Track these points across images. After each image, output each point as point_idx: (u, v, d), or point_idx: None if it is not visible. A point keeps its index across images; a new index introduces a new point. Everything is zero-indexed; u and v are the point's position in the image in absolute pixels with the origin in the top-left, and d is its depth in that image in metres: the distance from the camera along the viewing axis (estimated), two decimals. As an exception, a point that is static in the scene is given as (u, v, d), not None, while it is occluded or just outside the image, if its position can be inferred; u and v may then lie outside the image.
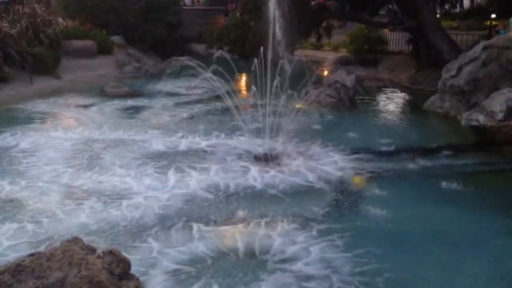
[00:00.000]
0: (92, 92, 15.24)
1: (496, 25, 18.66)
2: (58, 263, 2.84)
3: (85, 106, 13.17)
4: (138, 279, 3.10)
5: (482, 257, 5.15)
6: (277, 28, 9.78)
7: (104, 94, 14.76)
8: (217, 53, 9.57)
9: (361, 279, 4.67)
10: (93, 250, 3.11)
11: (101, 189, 6.92)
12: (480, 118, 9.33)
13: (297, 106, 9.23)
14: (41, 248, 4.50)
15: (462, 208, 6.46)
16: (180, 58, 9.52)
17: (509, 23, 13.94)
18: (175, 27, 24.99)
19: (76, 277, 2.79)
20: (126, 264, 3.01)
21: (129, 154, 8.62)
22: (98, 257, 2.98)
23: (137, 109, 12.91)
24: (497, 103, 9.19)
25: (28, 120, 11.33)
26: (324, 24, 21.45)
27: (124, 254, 3.16)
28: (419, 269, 4.93)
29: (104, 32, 21.62)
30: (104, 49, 20.76)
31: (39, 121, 11.26)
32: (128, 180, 7.30)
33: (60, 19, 20.50)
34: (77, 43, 19.58)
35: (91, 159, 8.35)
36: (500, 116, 8.98)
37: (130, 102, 13.78)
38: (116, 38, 22.22)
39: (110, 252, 3.03)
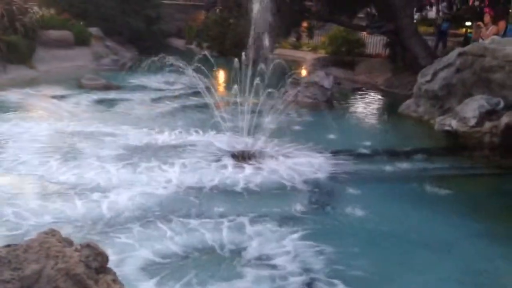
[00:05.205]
0: (67, 83, 14.98)
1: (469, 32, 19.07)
2: (35, 255, 2.82)
3: (60, 98, 12.93)
4: (115, 273, 3.09)
5: (451, 259, 5.28)
6: (257, 26, 9.80)
7: (80, 86, 14.55)
8: (200, 53, 9.50)
9: (331, 274, 4.76)
10: (70, 243, 3.09)
11: (72, 183, 6.82)
12: (453, 123, 9.55)
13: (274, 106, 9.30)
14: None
15: (433, 210, 6.61)
16: (164, 56, 9.38)
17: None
18: (154, 21, 24.80)
19: (53, 270, 2.78)
20: (104, 257, 3.00)
21: (102, 148, 8.50)
22: (76, 250, 2.97)
23: (114, 103, 12.77)
24: (469, 109, 9.43)
25: None
26: (304, 24, 21.62)
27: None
28: (388, 268, 5.04)
29: (81, 22, 21.29)
30: (81, 40, 20.43)
31: (11, 111, 11.00)
32: (98, 174, 7.17)
33: (36, 8, 20.07)
34: (54, 33, 19.21)
35: (64, 152, 8.22)
36: (472, 122, 9.21)
37: (106, 95, 13.62)
38: (93, 30, 21.89)
39: (88, 246, 3.02)
